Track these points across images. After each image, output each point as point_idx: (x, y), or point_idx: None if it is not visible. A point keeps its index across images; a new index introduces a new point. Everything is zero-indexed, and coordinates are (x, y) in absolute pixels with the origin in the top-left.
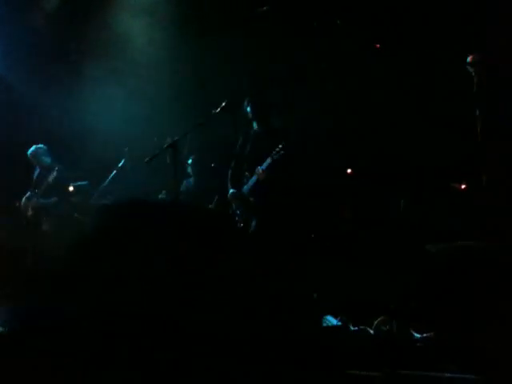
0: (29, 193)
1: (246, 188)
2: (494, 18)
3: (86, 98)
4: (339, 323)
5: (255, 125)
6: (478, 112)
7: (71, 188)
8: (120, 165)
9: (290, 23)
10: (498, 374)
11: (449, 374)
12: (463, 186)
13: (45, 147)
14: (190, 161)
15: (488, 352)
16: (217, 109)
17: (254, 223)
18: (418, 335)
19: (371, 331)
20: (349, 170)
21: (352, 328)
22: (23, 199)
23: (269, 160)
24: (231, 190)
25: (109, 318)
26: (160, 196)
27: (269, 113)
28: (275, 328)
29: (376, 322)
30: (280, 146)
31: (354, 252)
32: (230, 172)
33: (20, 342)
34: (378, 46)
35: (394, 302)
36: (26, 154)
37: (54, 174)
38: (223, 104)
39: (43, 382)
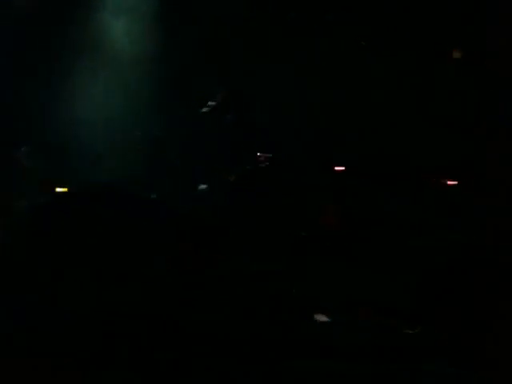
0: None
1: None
2: (494, 18)
3: (67, 93)
4: None
5: (230, 117)
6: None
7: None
8: (100, 160)
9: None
10: (498, 373)
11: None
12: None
13: None
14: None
15: (488, 352)
16: (206, 108)
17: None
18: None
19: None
20: (340, 168)
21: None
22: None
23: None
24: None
25: (109, 318)
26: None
27: (243, 106)
28: (275, 328)
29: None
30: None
31: (350, 252)
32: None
33: (20, 342)
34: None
35: (393, 301)
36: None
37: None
38: (212, 103)
39: (43, 382)
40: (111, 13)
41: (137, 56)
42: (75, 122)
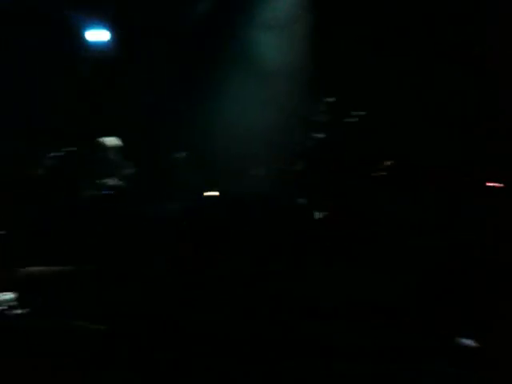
0: None
1: None
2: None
3: (218, 108)
4: None
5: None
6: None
7: None
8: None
9: None
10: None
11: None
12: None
13: None
14: None
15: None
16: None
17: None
18: None
19: None
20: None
21: None
22: None
23: None
24: None
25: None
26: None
27: None
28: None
29: None
30: None
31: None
32: None
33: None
34: None
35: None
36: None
37: None
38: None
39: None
40: (262, 29)
41: (286, 69)
42: (226, 133)
